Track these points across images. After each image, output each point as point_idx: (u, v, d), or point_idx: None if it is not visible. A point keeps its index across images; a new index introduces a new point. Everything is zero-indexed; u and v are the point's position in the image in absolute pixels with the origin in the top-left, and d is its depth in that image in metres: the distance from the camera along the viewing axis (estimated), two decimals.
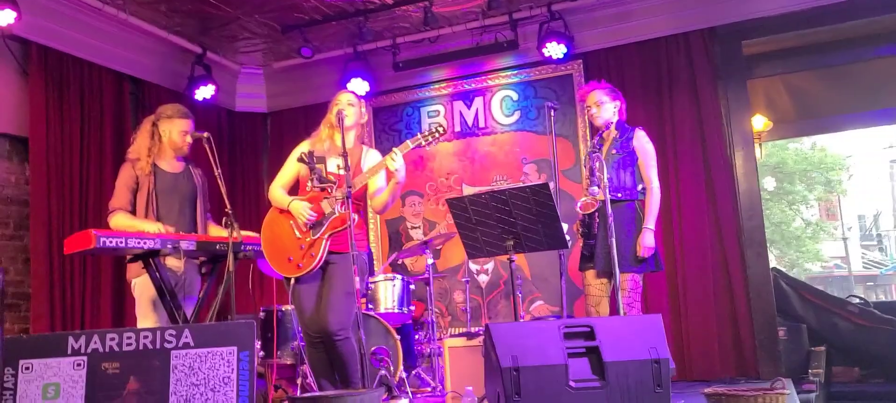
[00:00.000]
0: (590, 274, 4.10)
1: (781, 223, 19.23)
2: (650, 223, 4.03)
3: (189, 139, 3.99)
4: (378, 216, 6.28)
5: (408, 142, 3.60)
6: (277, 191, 3.68)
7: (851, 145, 20.81)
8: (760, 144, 7.07)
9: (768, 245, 5.61)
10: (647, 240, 3.98)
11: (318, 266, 3.45)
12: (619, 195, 4.03)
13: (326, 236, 3.42)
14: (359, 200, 3.62)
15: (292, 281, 3.51)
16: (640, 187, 4.14)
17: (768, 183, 18.48)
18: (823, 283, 20.76)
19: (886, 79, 6.55)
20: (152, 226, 3.71)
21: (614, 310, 3.79)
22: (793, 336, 5.70)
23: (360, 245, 3.59)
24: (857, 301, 6.02)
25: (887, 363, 5.39)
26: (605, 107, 4.13)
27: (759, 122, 6.89)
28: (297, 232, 3.52)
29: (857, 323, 5.73)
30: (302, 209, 3.50)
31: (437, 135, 3.69)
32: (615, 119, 4.19)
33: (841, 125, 8.13)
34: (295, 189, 3.72)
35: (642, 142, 4.13)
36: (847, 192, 21.50)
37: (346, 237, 3.47)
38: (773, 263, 6.18)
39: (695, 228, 5.44)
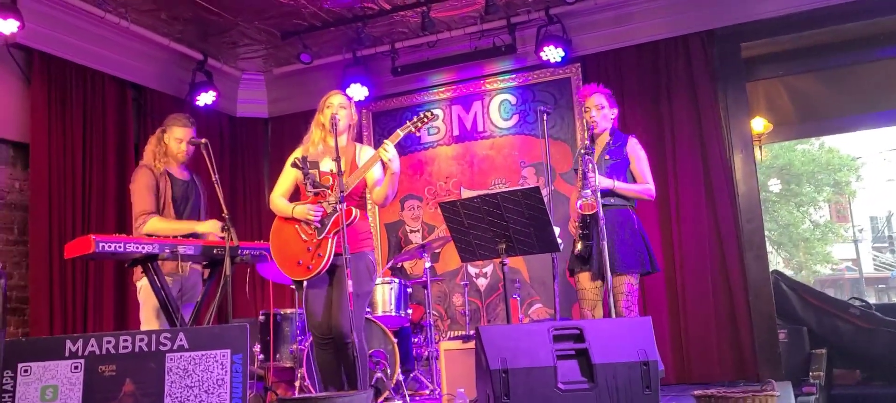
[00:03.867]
0: (584, 276, 4.08)
1: (790, 225, 19.10)
2: (620, 186, 4.00)
3: (184, 147, 4.06)
4: (377, 220, 6.33)
5: (398, 131, 3.61)
6: (278, 200, 3.68)
7: (861, 146, 20.65)
8: (760, 146, 7.06)
9: (776, 247, 5.61)
10: (602, 182, 3.89)
11: (327, 265, 3.45)
12: (612, 200, 4.03)
13: (332, 234, 3.44)
14: (359, 197, 3.65)
15: (303, 284, 3.52)
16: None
17: (773, 185, 18.37)
18: (834, 286, 20.62)
19: (888, 81, 6.53)
20: (203, 226, 3.82)
21: (607, 313, 3.80)
22: (793, 338, 5.69)
23: (366, 244, 3.63)
24: (859, 303, 5.99)
25: (888, 365, 5.37)
26: (605, 112, 4.16)
27: (759, 124, 6.88)
28: (303, 236, 3.54)
29: (859, 326, 5.71)
30: (306, 211, 3.51)
31: (426, 119, 3.70)
32: (610, 125, 4.22)
33: (843, 127, 8.11)
34: (295, 196, 3.73)
35: (636, 149, 4.16)
36: (857, 194, 21.32)
37: (352, 236, 3.50)
38: (780, 266, 6.17)
39: (694, 230, 5.44)
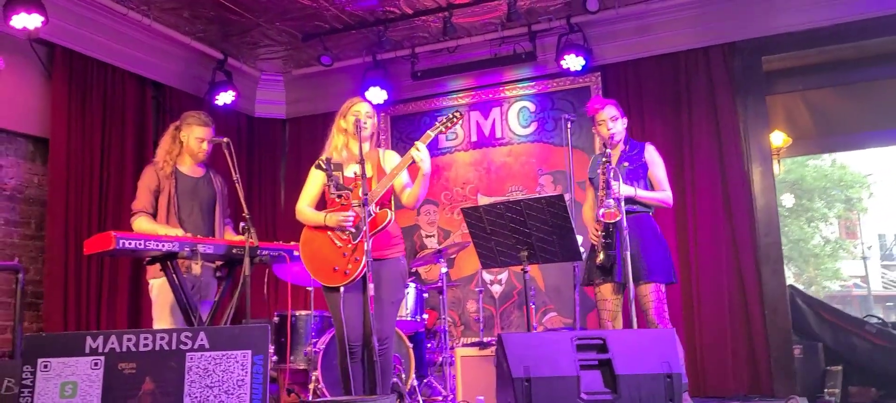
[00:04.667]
0: (606, 287, 4.00)
1: (800, 240, 19.02)
2: (640, 193, 3.97)
3: (205, 146, 4.06)
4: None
5: (429, 131, 3.55)
6: (307, 209, 3.62)
7: (872, 163, 20.55)
8: (779, 160, 7.02)
9: (786, 262, 5.57)
10: (623, 189, 3.87)
11: (365, 269, 3.34)
12: (635, 206, 3.99)
13: (368, 238, 3.37)
14: (387, 202, 3.62)
15: (341, 290, 3.45)
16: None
17: (787, 199, 18.29)
18: (842, 303, 20.49)
19: None
20: (175, 232, 3.77)
21: (628, 323, 3.77)
22: (809, 354, 5.64)
23: (398, 250, 3.60)
24: (875, 320, 5.93)
25: None
26: (618, 123, 4.13)
27: (778, 138, 6.84)
28: (338, 242, 3.48)
29: (875, 343, 5.65)
30: (340, 218, 3.46)
31: (455, 119, 3.67)
32: (624, 135, 4.20)
33: (861, 143, 8.06)
34: (321, 204, 3.68)
35: (654, 156, 4.13)
36: (867, 210, 21.22)
37: (385, 241, 3.48)
38: (790, 281, 6.13)
39: (711, 243, 5.41)
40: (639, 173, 4.08)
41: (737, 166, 5.46)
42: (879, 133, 7.15)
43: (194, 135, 4.06)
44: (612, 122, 4.11)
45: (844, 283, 21.92)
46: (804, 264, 19.66)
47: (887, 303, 22.22)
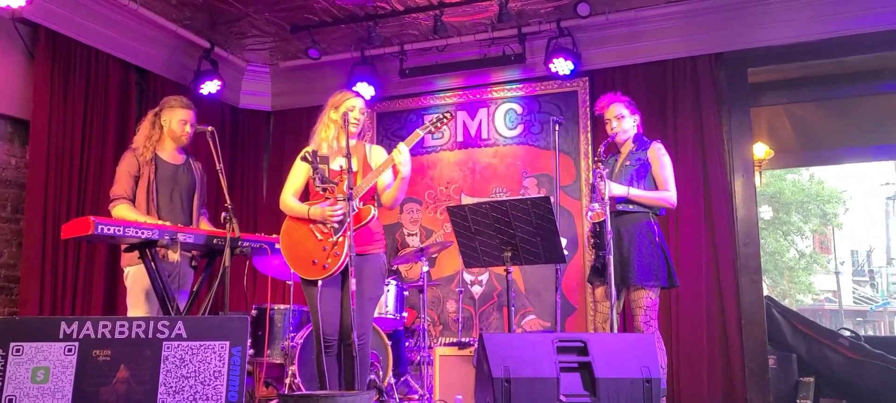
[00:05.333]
0: (600, 290, 3.96)
1: (775, 253, 19.27)
2: (634, 193, 3.88)
3: (188, 129, 4.01)
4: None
5: (418, 130, 3.54)
6: (291, 200, 3.59)
7: (849, 179, 20.91)
8: (760, 172, 7.09)
9: (762, 274, 5.61)
10: (614, 189, 3.83)
11: (344, 264, 3.34)
12: (631, 206, 3.92)
13: (349, 233, 3.34)
14: (371, 198, 3.59)
15: (319, 284, 3.44)
16: None
17: (765, 212, 18.51)
18: (814, 316, 20.79)
19: (889, 115, 6.59)
20: (151, 221, 3.71)
21: (613, 327, 3.75)
22: (782, 365, 5.69)
23: (379, 246, 3.58)
24: (848, 333, 6.01)
25: (876, 397, 5.38)
26: (625, 122, 4.05)
27: (761, 150, 6.91)
28: (319, 235, 3.46)
29: (848, 356, 5.71)
30: (326, 211, 3.44)
31: (444, 120, 3.65)
32: (634, 132, 4.10)
33: (841, 158, 8.17)
34: (305, 195, 3.65)
35: (658, 154, 4.02)
36: (842, 226, 21.56)
37: (365, 236, 3.46)
38: (765, 292, 6.19)
39: (692, 251, 5.44)
40: (641, 173, 3.98)
41: (720, 176, 5.50)
42: (856, 149, 7.26)
43: (177, 118, 4.00)
44: (617, 121, 4.05)
45: (817, 297, 22.26)
46: (779, 276, 19.92)
47: (857, 318, 22.58)
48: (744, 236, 5.49)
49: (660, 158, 4.01)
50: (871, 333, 20.90)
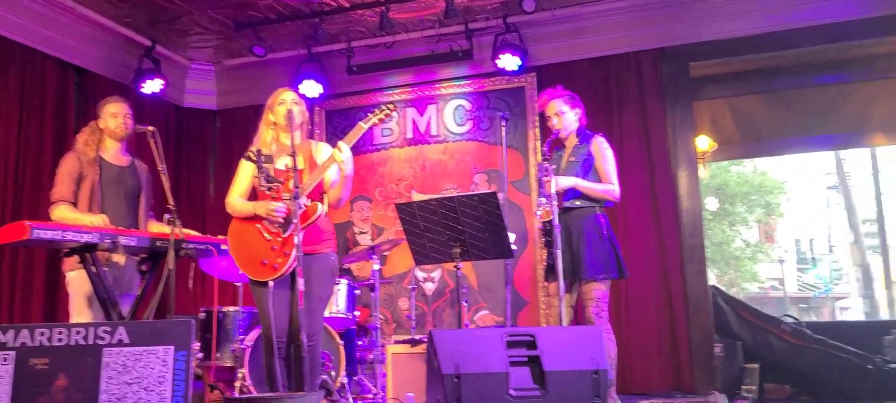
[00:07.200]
0: (553, 287, 3.93)
1: (722, 243, 19.74)
2: (583, 185, 3.88)
3: (123, 121, 3.91)
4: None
5: (361, 123, 3.51)
6: (236, 200, 3.54)
7: (791, 170, 21.54)
8: (704, 164, 7.24)
9: (709, 264, 5.74)
10: (563, 181, 3.82)
11: (294, 264, 3.27)
12: (578, 202, 3.92)
13: (297, 232, 3.29)
14: (319, 196, 3.55)
15: (270, 285, 3.38)
16: None
17: (711, 203, 18.95)
18: (760, 303, 21.38)
19: (826, 107, 6.80)
20: (97, 219, 3.61)
21: (572, 320, 3.78)
22: (729, 352, 5.82)
23: (329, 244, 3.54)
24: (791, 320, 6.19)
25: (816, 381, 5.55)
26: (566, 117, 4.03)
27: (704, 143, 7.06)
28: (267, 235, 3.42)
29: (790, 342, 5.87)
30: (272, 208, 3.38)
31: (388, 112, 3.62)
32: (576, 126, 4.08)
33: (781, 149, 8.40)
34: (252, 197, 3.59)
35: (601, 148, 4.00)
36: (785, 216, 22.22)
37: (315, 235, 3.42)
38: (712, 282, 6.33)
39: (639, 243, 5.54)
40: (586, 168, 3.97)
41: (664, 169, 5.61)
42: (797, 140, 7.46)
43: (109, 112, 3.90)
44: (557, 118, 4.02)
45: (762, 285, 22.89)
46: (725, 266, 20.42)
47: (801, 305, 23.29)
48: (689, 227, 5.61)
49: (602, 152, 4.00)
50: (813, 319, 21.60)
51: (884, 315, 17.54)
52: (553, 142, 4.11)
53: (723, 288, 7.35)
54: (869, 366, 5.22)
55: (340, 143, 3.42)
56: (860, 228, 21.10)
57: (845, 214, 22.07)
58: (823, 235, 24.99)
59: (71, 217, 3.69)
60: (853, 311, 22.13)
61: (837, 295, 23.63)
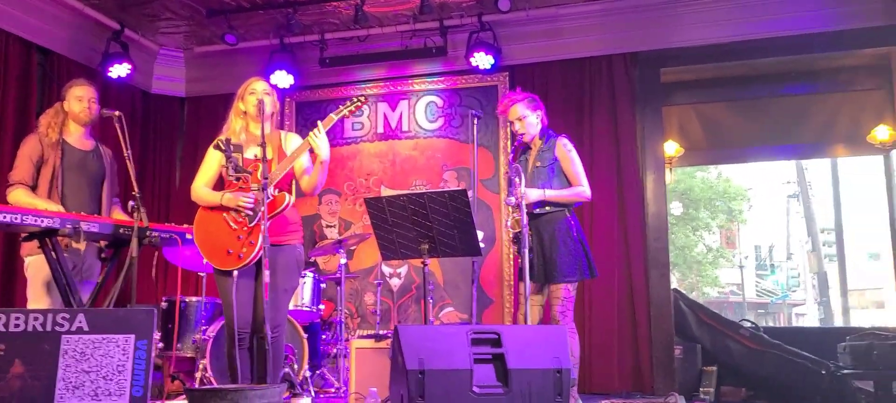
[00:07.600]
0: (530, 286, 3.88)
1: (685, 247, 20.06)
2: (551, 195, 3.88)
3: (88, 105, 3.86)
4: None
5: (332, 114, 3.50)
6: (202, 189, 3.49)
7: (753, 178, 21.97)
8: (671, 169, 7.34)
9: (671, 268, 5.82)
10: (531, 195, 3.82)
11: (259, 254, 3.24)
12: (547, 208, 3.92)
13: (264, 224, 3.25)
14: (287, 186, 3.53)
15: (234, 274, 3.34)
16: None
17: (675, 208, 19.23)
18: (719, 308, 21.78)
19: (792, 116, 6.93)
20: (52, 208, 3.53)
21: (544, 320, 3.80)
22: (688, 355, 5.91)
23: (295, 236, 3.52)
24: (749, 324, 6.31)
25: (772, 385, 5.67)
26: (528, 121, 4.00)
27: (672, 148, 7.16)
28: (233, 224, 3.38)
29: (748, 346, 5.98)
30: (238, 198, 3.36)
31: (360, 104, 3.62)
32: (539, 128, 4.06)
33: (747, 157, 8.55)
34: (219, 185, 3.56)
35: (565, 150, 3.99)
36: (747, 222, 22.65)
37: (282, 226, 3.39)
38: (674, 285, 6.40)
39: (605, 245, 5.59)
40: (552, 171, 3.96)
41: (632, 172, 5.67)
42: (761, 148, 7.60)
43: (74, 96, 3.85)
44: (520, 122, 4.00)
45: (722, 290, 23.31)
46: (687, 270, 20.75)
47: (759, 310, 23.77)
48: (654, 231, 5.68)
49: (568, 154, 3.99)
50: (771, 324, 22.05)
51: (838, 322, 17.98)
52: (517, 148, 4.10)
53: (684, 292, 7.46)
54: (823, 372, 5.34)
55: (319, 124, 3.40)
56: (818, 236, 21.60)
57: (804, 222, 22.58)
58: (782, 242, 25.53)
59: (27, 201, 3.62)
60: (809, 317, 22.66)
61: (794, 302, 24.18)
